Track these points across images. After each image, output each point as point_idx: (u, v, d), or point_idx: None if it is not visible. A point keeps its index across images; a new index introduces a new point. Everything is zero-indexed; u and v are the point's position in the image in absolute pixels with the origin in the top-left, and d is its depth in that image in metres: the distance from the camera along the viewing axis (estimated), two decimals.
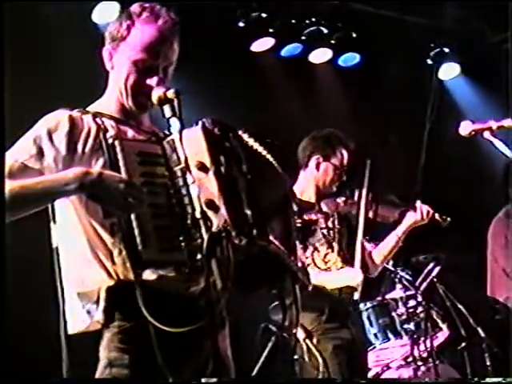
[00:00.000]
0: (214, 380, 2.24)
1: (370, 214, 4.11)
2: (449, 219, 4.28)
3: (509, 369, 4.91)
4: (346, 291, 4.03)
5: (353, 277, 4.01)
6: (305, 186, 4.22)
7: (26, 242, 4.14)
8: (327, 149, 4.19)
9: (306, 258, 4.02)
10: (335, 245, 4.13)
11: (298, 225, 3.99)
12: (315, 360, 3.78)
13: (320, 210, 4.17)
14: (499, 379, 4.65)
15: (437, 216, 4.22)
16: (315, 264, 4.05)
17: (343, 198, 4.15)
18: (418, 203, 4.20)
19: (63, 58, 5.06)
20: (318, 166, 4.19)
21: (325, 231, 4.13)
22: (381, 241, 4.33)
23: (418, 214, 4.17)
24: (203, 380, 2.27)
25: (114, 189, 2.14)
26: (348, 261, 4.12)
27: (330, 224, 4.17)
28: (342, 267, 4.11)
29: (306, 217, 4.09)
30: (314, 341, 3.86)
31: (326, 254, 4.09)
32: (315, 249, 4.07)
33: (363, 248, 4.13)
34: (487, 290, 4.97)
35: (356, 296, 4.03)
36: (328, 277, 4.01)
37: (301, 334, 3.85)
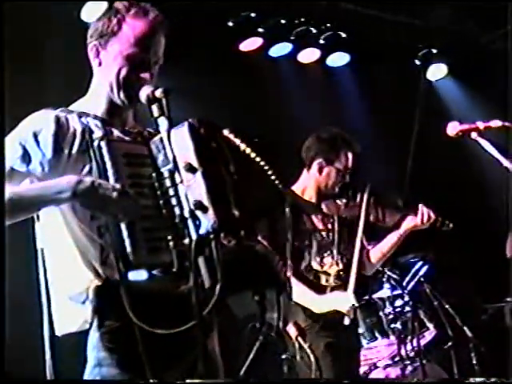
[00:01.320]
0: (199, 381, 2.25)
1: (371, 218, 4.07)
2: (451, 225, 4.25)
3: (495, 368, 4.95)
4: (333, 315, 3.95)
5: (343, 302, 3.92)
6: (306, 185, 4.18)
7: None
8: (331, 152, 4.11)
9: (303, 259, 4.00)
10: (334, 247, 4.10)
11: (299, 225, 3.99)
12: (307, 358, 3.77)
13: (320, 210, 4.12)
14: (493, 379, 4.67)
15: (439, 221, 4.18)
16: (311, 267, 4.02)
17: (345, 201, 4.10)
18: (420, 207, 4.17)
19: (51, 56, 5.05)
20: (320, 170, 4.13)
21: (324, 233, 4.10)
22: (378, 241, 4.30)
23: (419, 218, 4.14)
24: (191, 380, 2.27)
25: (107, 197, 2.14)
26: (348, 264, 4.07)
27: (329, 226, 4.13)
28: (338, 270, 4.07)
29: (305, 218, 4.07)
30: (307, 339, 3.84)
31: (323, 257, 4.06)
32: (312, 251, 4.04)
33: (359, 266, 4.06)
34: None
35: (346, 321, 3.92)
36: (317, 299, 3.94)
37: (293, 332, 3.84)
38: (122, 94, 2.42)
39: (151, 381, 2.23)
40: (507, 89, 5.68)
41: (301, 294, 3.88)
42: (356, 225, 4.02)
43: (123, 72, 2.40)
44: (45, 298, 2.34)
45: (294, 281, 3.76)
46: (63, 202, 2.22)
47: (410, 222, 4.18)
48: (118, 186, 2.16)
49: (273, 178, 2.42)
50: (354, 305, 3.90)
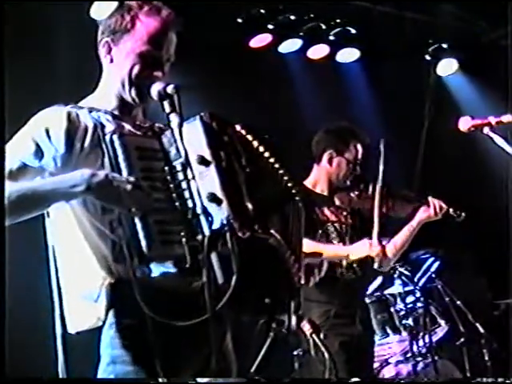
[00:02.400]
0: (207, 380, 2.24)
1: (384, 209, 4.05)
2: (463, 214, 4.23)
3: (508, 364, 4.93)
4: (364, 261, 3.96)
5: (374, 250, 3.90)
6: (318, 179, 4.20)
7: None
8: (340, 143, 4.15)
9: None
10: (347, 239, 4.10)
11: (312, 217, 3.98)
12: (321, 355, 3.76)
13: (333, 203, 4.12)
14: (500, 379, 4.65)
15: (451, 211, 4.17)
16: None
17: (357, 192, 4.09)
18: (430, 198, 4.16)
19: (61, 53, 5.06)
20: (330, 161, 4.15)
21: (337, 225, 4.10)
22: (390, 238, 4.29)
23: (432, 209, 4.12)
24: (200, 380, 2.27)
25: (121, 190, 2.13)
26: None
27: (342, 218, 4.13)
28: (352, 262, 4.05)
29: (318, 210, 4.07)
30: (321, 336, 3.83)
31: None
32: (327, 242, 4.04)
33: (381, 209, 4.02)
34: None
35: (376, 265, 3.93)
36: (344, 249, 3.96)
37: (308, 329, 3.83)
38: (133, 92, 2.41)
39: (160, 380, 2.22)
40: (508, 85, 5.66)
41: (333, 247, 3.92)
42: (369, 216, 4.00)
43: (136, 70, 2.39)
44: (56, 295, 2.33)
45: (316, 244, 3.77)
46: (77, 195, 2.21)
47: (423, 214, 4.17)
48: (131, 178, 2.16)
49: (281, 172, 2.42)
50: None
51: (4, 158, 2.25)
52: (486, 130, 3.38)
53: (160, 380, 2.22)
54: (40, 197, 2.22)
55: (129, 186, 2.14)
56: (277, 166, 2.41)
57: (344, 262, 3.99)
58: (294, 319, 2.31)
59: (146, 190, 2.16)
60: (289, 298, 2.31)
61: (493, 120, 3.39)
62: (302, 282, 2.39)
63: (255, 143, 2.37)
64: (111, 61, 2.46)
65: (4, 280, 2.40)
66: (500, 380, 4.72)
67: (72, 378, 2.34)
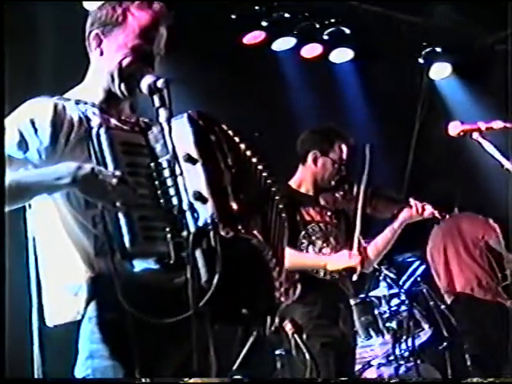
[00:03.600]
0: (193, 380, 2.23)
1: (368, 210, 4.06)
2: (447, 216, 4.24)
3: (488, 369, 4.94)
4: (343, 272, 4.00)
5: (354, 259, 3.95)
6: (303, 179, 4.20)
7: None
8: (325, 143, 4.15)
9: (301, 250, 3.99)
10: (331, 239, 4.10)
11: (296, 217, 3.98)
12: (303, 356, 3.76)
13: (318, 203, 4.12)
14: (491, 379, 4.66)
15: (436, 213, 4.18)
16: None
17: (342, 193, 4.10)
18: (411, 200, 4.16)
19: (46, 44, 5.02)
20: (315, 161, 4.15)
21: (322, 225, 4.09)
22: (373, 238, 4.29)
23: (414, 209, 4.13)
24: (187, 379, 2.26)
25: (107, 184, 2.12)
26: None
27: (327, 218, 4.13)
28: None
29: (303, 210, 4.07)
30: (304, 336, 3.82)
31: (322, 248, 4.06)
32: (310, 242, 4.04)
33: (359, 240, 4.07)
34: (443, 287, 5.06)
35: (355, 277, 3.98)
36: (327, 259, 3.98)
37: (290, 329, 3.82)
38: (122, 85, 2.39)
39: (143, 380, 2.21)
40: (507, 90, 5.67)
41: (312, 256, 3.97)
42: (354, 216, 4.01)
43: (126, 63, 2.37)
44: (34, 287, 2.31)
45: (296, 253, 3.82)
46: (62, 188, 2.19)
47: (405, 214, 4.17)
48: (117, 172, 2.14)
49: (263, 172, 2.41)
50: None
51: (4, 158, 2.22)
52: (476, 135, 3.38)
53: (143, 380, 2.21)
54: (24, 189, 2.19)
55: (114, 180, 2.12)
56: (259, 166, 2.40)
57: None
58: (268, 331, 2.31)
59: (132, 185, 2.15)
60: (267, 312, 2.31)
61: (482, 126, 3.39)
62: (283, 299, 2.38)
63: (239, 142, 2.36)
64: (101, 53, 2.43)
65: (4, 278, 2.36)
66: (491, 379, 4.73)
67: (73, 378, 2.31)
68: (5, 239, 2.33)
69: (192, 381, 2.32)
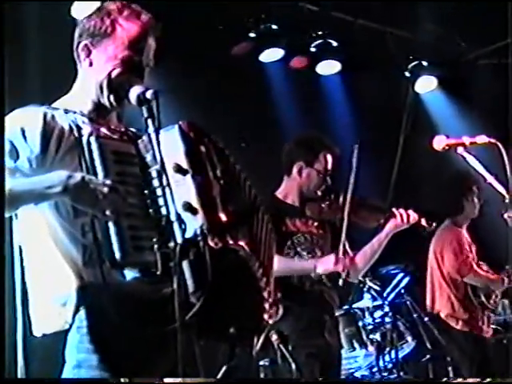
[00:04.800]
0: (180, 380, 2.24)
1: (354, 219, 4.06)
2: (434, 224, 4.25)
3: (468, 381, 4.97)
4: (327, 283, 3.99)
5: (340, 264, 3.92)
6: (288, 190, 4.18)
7: None
8: (309, 154, 4.13)
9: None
10: (317, 250, 4.09)
11: (281, 229, 3.98)
12: (288, 366, 3.76)
13: (303, 214, 4.11)
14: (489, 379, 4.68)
15: (422, 221, 4.19)
16: None
17: (327, 203, 4.10)
18: (394, 209, 4.17)
19: (33, 52, 5.01)
20: (300, 172, 4.14)
21: (307, 236, 4.09)
22: (360, 248, 4.30)
23: (398, 218, 4.13)
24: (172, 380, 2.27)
25: (98, 192, 2.12)
26: None
27: (313, 229, 4.12)
28: (321, 274, 4.05)
29: (288, 221, 4.06)
30: (289, 347, 3.82)
31: (307, 259, 4.05)
32: (296, 253, 4.04)
33: (344, 247, 4.06)
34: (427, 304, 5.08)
35: (340, 282, 3.96)
36: (314, 263, 3.96)
37: (275, 339, 3.82)
38: (111, 96, 2.40)
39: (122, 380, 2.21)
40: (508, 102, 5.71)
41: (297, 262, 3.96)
42: (340, 227, 4.00)
43: (115, 74, 2.38)
44: (19, 296, 2.30)
45: (283, 258, 3.80)
46: (53, 197, 2.18)
47: (391, 223, 4.17)
48: (108, 181, 2.14)
49: (248, 184, 2.43)
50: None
51: (4, 158, 2.22)
52: (460, 149, 3.41)
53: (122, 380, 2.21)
54: (14, 197, 2.19)
55: (105, 189, 2.12)
56: (247, 177, 2.42)
57: (312, 275, 3.99)
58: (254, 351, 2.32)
59: (123, 194, 2.15)
60: (254, 332, 2.32)
61: (467, 140, 3.42)
62: (271, 321, 2.40)
63: (230, 155, 2.38)
64: (90, 64, 2.43)
65: (3, 279, 2.36)
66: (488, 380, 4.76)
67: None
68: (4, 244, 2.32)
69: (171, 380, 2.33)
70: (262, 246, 2.41)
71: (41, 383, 2.34)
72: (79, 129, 2.31)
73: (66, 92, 2.49)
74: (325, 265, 3.92)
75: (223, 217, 2.20)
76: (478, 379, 4.81)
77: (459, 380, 4.96)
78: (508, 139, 3.59)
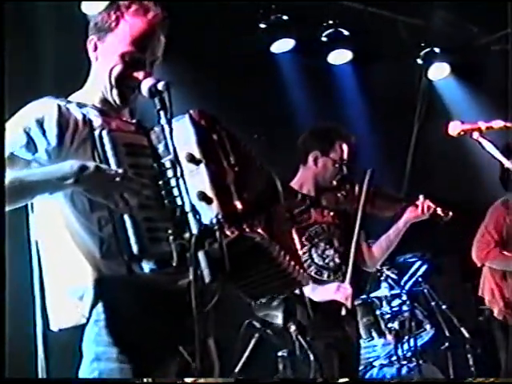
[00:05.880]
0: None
1: (371, 209, 4.03)
2: (451, 213, 4.21)
3: (491, 369, 4.94)
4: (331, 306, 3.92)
5: (341, 293, 3.89)
6: (304, 180, 4.15)
7: None
8: (325, 143, 4.10)
9: (304, 253, 3.97)
10: (335, 240, 4.07)
11: (299, 219, 3.96)
12: (307, 357, 3.75)
13: (319, 204, 4.08)
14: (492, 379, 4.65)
15: (439, 210, 4.15)
16: (312, 260, 3.99)
17: (344, 193, 4.07)
18: (421, 198, 4.14)
19: (51, 46, 5.02)
20: (316, 162, 4.11)
21: (324, 226, 4.06)
22: (378, 239, 4.27)
23: (419, 208, 4.10)
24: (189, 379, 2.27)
25: (111, 182, 2.12)
26: (346, 258, 4.04)
27: (329, 219, 4.09)
28: (340, 264, 4.04)
29: (304, 211, 4.05)
30: (308, 337, 3.81)
31: (325, 250, 4.02)
32: (313, 244, 4.02)
33: (356, 256, 4.01)
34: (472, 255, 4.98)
35: (343, 312, 3.89)
36: (318, 289, 3.90)
37: (294, 330, 3.81)
38: (114, 93, 2.39)
39: (145, 380, 2.21)
40: (507, 89, 5.66)
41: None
42: (355, 217, 3.98)
43: (116, 70, 2.37)
44: (38, 291, 2.31)
45: None
46: (66, 187, 2.18)
47: (410, 214, 4.14)
48: (120, 170, 2.14)
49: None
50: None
51: (4, 159, 2.22)
52: (476, 135, 3.37)
53: (145, 380, 2.21)
54: (27, 187, 2.19)
55: (118, 179, 2.12)
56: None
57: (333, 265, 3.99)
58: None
59: (136, 181, 2.14)
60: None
61: (483, 125, 3.38)
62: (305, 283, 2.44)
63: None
64: (96, 59, 2.44)
65: (4, 278, 2.36)
66: (492, 379, 4.72)
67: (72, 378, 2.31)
68: (5, 241, 2.33)
69: (191, 380, 2.32)
70: (280, 232, 2.40)
71: (41, 383, 2.34)
72: (91, 122, 2.31)
73: (81, 86, 2.49)
74: (323, 294, 3.88)
75: (238, 205, 2.18)
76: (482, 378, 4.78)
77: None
78: None
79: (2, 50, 2.63)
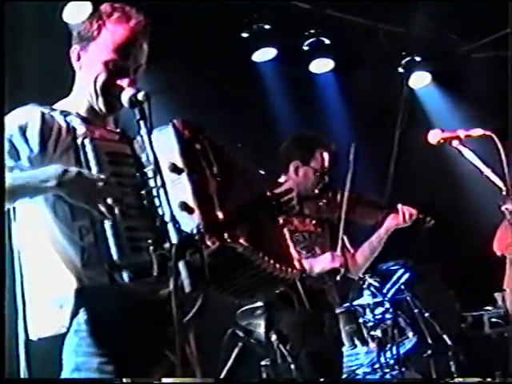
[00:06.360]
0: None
1: (352, 216, 4.04)
2: (432, 221, 4.23)
3: (473, 376, 4.95)
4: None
5: (337, 261, 3.94)
6: None
7: None
8: (306, 152, 4.12)
9: None
10: (317, 248, 4.08)
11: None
12: (288, 365, 3.75)
13: (301, 213, 4.09)
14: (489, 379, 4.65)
15: (420, 217, 4.17)
16: None
17: (325, 201, 4.08)
18: (399, 205, 4.15)
19: (32, 56, 5.00)
20: (297, 171, 4.13)
21: (306, 235, 4.08)
22: (360, 245, 4.29)
23: (401, 216, 4.12)
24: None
25: (92, 188, 2.12)
26: None
27: (311, 227, 4.12)
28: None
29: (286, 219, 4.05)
30: (288, 346, 3.81)
31: (307, 258, 4.04)
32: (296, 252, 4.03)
33: (343, 243, 4.04)
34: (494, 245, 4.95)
35: (338, 277, 3.95)
36: (313, 263, 3.95)
37: (275, 339, 3.81)
38: (100, 101, 2.40)
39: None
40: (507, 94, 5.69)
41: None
42: (338, 224, 3.99)
43: (101, 80, 2.38)
44: (20, 300, 2.29)
45: None
46: (48, 191, 2.18)
47: (391, 221, 4.16)
48: (102, 176, 2.14)
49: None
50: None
51: (4, 160, 2.21)
52: (456, 143, 3.41)
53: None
54: (10, 191, 2.18)
55: (100, 184, 2.12)
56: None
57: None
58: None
59: (117, 189, 2.14)
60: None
61: (462, 133, 3.42)
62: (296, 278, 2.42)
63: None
64: (80, 68, 2.44)
65: (3, 279, 2.35)
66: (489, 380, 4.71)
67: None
68: (5, 242, 2.32)
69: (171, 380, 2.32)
70: (268, 239, 2.41)
71: (41, 383, 2.33)
72: (75, 130, 2.31)
73: (67, 95, 2.50)
74: (321, 264, 3.91)
75: (220, 215, 2.19)
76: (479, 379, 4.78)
77: (460, 380, 4.94)
78: (503, 132, 3.58)
79: (2, 51, 2.61)
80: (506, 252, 4.90)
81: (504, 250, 4.88)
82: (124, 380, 2.21)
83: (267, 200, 2.50)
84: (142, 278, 2.15)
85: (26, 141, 2.25)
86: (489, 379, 4.74)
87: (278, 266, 2.37)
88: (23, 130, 2.26)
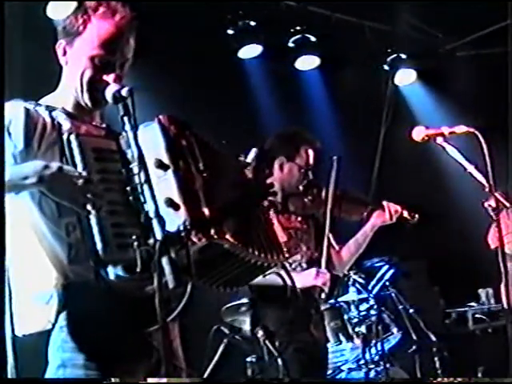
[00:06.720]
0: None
1: (338, 213, 4.05)
2: (417, 216, 4.24)
3: (456, 371, 4.98)
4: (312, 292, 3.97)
5: (321, 278, 3.93)
6: None
7: None
8: (291, 149, 4.11)
9: None
10: (302, 245, 4.09)
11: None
12: (275, 361, 3.75)
13: (286, 209, 4.09)
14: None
15: (405, 213, 4.18)
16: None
17: (310, 197, 4.08)
18: (385, 202, 4.16)
19: (16, 51, 4.97)
20: (281, 168, 4.13)
21: (291, 231, 4.08)
22: (345, 242, 4.29)
23: (387, 213, 4.12)
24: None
25: (73, 184, 2.11)
26: (315, 261, 4.06)
27: (297, 224, 4.11)
28: (306, 268, 4.06)
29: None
30: (276, 342, 3.82)
31: (291, 256, 4.03)
32: None
33: (329, 247, 4.05)
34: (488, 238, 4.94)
35: (323, 295, 3.96)
36: (296, 277, 3.96)
37: (261, 335, 3.81)
38: (85, 97, 2.39)
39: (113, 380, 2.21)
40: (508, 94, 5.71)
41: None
42: (323, 221, 4.00)
43: (87, 75, 2.37)
44: (7, 296, 2.29)
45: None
46: (28, 187, 2.17)
47: (377, 218, 4.16)
48: (84, 173, 2.13)
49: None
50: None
51: (4, 159, 2.20)
52: (440, 140, 3.42)
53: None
54: None
55: (81, 181, 2.11)
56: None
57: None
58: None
59: (98, 187, 2.14)
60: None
61: (446, 130, 3.43)
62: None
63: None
64: (66, 63, 2.43)
65: (4, 275, 2.34)
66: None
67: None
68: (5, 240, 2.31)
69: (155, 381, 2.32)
70: (257, 233, 2.40)
71: (40, 383, 2.33)
72: (60, 126, 2.30)
73: (52, 90, 2.49)
74: (304, 279, 3.91)
75: (206, 211, 2.18)
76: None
77: (450, 379, 4.96)
78: (487, 129, 3.59)
79: (2, 50, 2.60)
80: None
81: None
82: (113, 380, 2.21)
83: (252, 188, 2.49)
84: (128, 273, 2.15)
85: (11, 137, 2.24)
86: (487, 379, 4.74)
87: (262, 255, 2.36)
88: (7, 126, 2.24)
